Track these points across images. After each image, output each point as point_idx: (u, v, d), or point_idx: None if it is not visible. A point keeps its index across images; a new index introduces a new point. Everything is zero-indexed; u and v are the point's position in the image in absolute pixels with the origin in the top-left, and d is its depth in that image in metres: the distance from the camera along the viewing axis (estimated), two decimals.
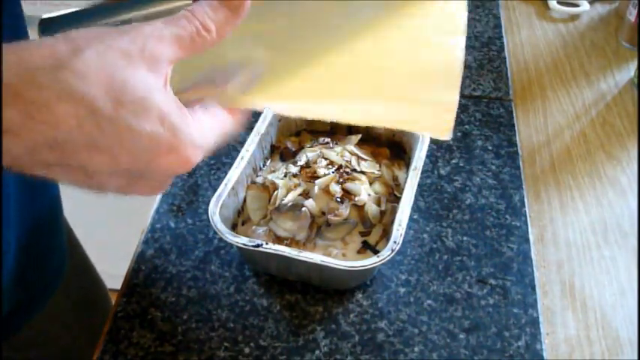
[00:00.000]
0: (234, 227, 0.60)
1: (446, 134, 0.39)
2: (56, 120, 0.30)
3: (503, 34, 0.92)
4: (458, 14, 0.40)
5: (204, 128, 0.35)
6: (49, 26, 0.38)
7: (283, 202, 0.59)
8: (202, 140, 0.35)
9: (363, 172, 0.62)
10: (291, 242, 0.58)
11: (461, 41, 0.40)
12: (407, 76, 0.39)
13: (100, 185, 0.35)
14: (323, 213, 0.59)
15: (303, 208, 0.58)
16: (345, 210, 0.58)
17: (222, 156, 0.72)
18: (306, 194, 0.60)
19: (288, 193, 0.60)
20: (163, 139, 0.33)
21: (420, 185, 0.60)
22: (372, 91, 0.39)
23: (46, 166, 0.32)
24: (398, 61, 0.40)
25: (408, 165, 0.65)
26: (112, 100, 0.31)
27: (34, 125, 0.30)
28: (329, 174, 0.60)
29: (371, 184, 0.61)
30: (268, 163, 0.67)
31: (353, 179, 0.60)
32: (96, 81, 0.31)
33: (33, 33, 0.41)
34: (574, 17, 0.97)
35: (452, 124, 0.38)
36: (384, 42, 0.40)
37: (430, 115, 0.39)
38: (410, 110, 0.39)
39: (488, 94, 0.81)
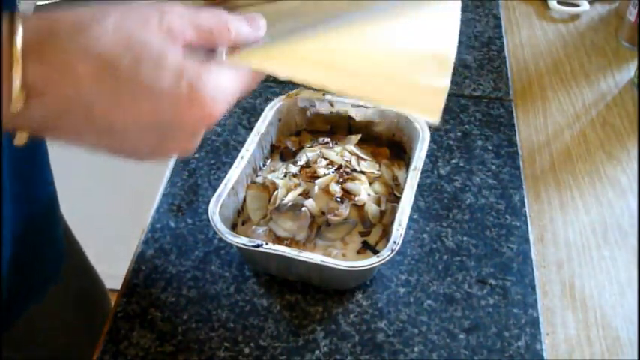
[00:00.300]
0: (234, 227, 0.60)
1: (434, 117, 0.40)
2: (77, 78, 0.32)
3: (503, 34, 0.92)
4: (452, 9, 0.41)
5: (221, 83, 0.36)
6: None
7: (283, 202, 0.59)
8: (221, 94, 0.36)
9: (363, 172, 0.62)
10: (291, 242, 0.58)
11: (455, 30, 0.41)
12: (400, 61, 0.41)
13: (133, 148, 0.36)
14: (323, 213, 0.59)
15: (303, 208, 0.58)
16: (345, 210, 0.58)
17: (222, 156, 0.72)
18: (306, 194, 0.60)
19: (288, 193, 0.60)
20: (182, 93, 0.34)
21: (420, 185, 0.60)
22: (365, 69, 0.40)
23: (75, 131, 0.34)
24: (392, 46, 0.41)
25: (408, 165, 0.65)
26: (130, 57, 0.33)
27: (57, 85, 0.32)
28: (329, 174, 0.60)
29: (371, 184, 0.61)
30: (268, 163, 0.67)
31: (353, 179, 0.60)
32: (114, 41, 0.33)
33: None
34: (574, 17, 0.97)
35: (441, 107, 0.39)
36: (381, 29, 0.41)
37: (420, 97, 0.40)
38: (400, 90, 0.40)
39: (489, 94, 0.81)
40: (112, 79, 0.33)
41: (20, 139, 0.35)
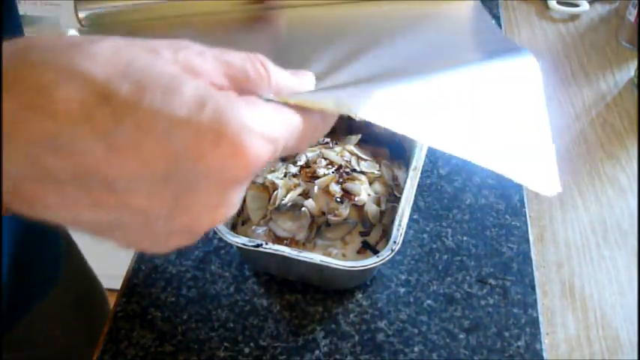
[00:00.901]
0: (234, 227, 0.60)
1: (553, 189, 0.36)
2: (55, 107, 0.23)
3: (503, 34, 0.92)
4: (531, 64, 0.39)
5: (262, 113, 0.26)
6: None
7: (283, 202, 0.59)
8: (261, 126, 0.26)
9: (362, 172, 0.62)
10: (291, 242, 0.58)
11: (540, 91, 0.38)
12: (497, 122, 0.36)
13: (143, 215, 0.26)
14: (323, 213, 0.59)
15: (303, 208, 0.58)
16: (344, 210, 0.58)
17: None
18: (305, 194, 0.60)
19: (287, 193, 0.60)
20: (204, 124, 0.24)
21: (420, 185, 0.60)
22: (458, 124, 0.35)
23: (59, 188, 0.24)
24: (480, 102, 0.36)
25: (408, 165, 0.65)
26: (131, 83, 0.24)
27: (31, 116, 0.23)
28: (329, 174, 0.60)
29: (371, 184, 0.61)
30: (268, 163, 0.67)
31: (353, 179, 0.60)
32: (109, 63, 0.24)
33: (29, 34, 0.41)
34: (574, 17, 0.97)
35: (557, 175, 0.36)
36: (459, 83, 0.36)
37: (534, 168, 0.36)
38: (510, 157, 0.36)
39: None
40: (105, 112, 0.23)
41: None
